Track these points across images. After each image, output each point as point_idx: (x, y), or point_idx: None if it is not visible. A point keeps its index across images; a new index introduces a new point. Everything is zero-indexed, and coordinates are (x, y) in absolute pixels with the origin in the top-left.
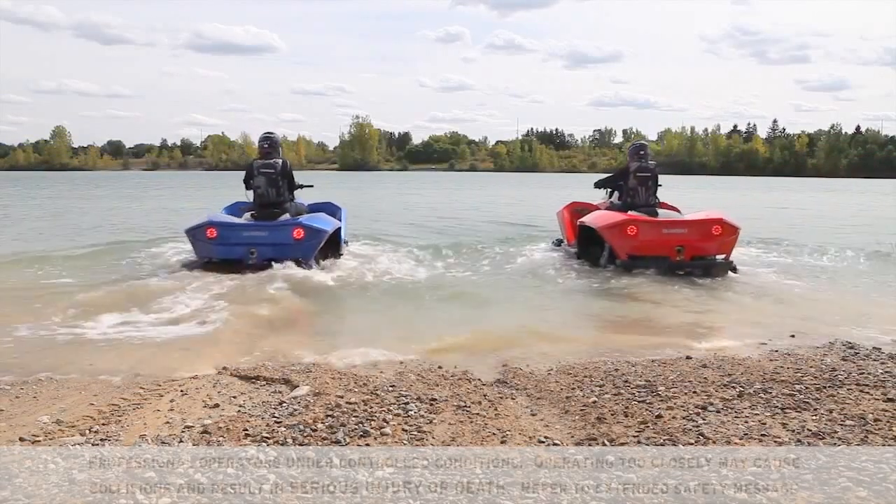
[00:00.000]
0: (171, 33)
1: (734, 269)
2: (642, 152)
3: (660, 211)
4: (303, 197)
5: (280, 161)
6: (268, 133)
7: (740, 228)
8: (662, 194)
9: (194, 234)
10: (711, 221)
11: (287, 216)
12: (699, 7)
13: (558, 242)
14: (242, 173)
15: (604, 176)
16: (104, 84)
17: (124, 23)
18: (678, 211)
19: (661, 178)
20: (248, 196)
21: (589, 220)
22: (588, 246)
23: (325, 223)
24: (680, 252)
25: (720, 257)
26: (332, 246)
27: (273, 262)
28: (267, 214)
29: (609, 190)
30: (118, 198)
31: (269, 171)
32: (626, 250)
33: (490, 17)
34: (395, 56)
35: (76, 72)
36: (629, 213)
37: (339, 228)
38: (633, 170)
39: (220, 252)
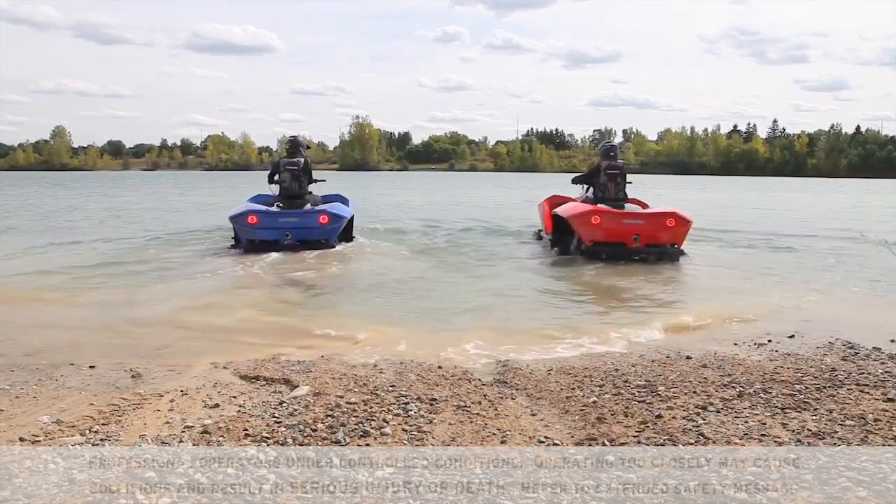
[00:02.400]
0: (169, 33)
1: (682, 254)
2: (612, 153)
3: (627, 205)
4: (315, 189)
5: (302, 160)
6: (292, 136)
7: (692, 221)
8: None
9: (237, 220)
10: (666, 215)
11: (308, 206)
12: (697, 7)
13: (538, 234)
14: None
15: (580, 173)
16: (103, 84)
17: (122, 23)
18: (646, 205)
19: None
20: (272, 189)
21: (560, 210)
22: (561, 234)
23: (345, 211)
24: (636, 240)
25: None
26: (346, 230)
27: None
28: (292, 204)
29: (585, 186)
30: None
31: (294, 168)
32: (590, 237)
33: (488, 16)
34: (394, 56)
35: (75, 72)
36: (597, 205)
37: (353, 216)
38: (603, 168)
39: (260, 234)
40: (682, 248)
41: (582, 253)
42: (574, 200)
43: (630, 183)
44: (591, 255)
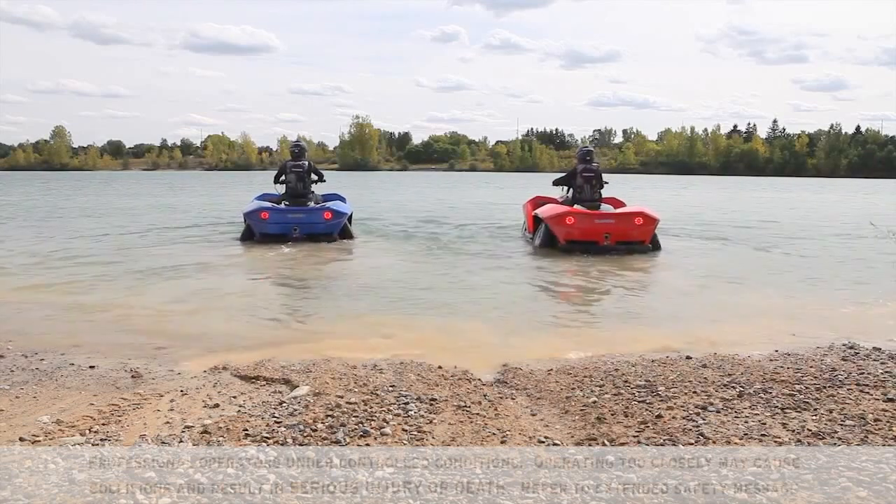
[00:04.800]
0: (167, 33)
1: (658, 247)
2: (588, 157)
3: (602, 205)
4: (315, 189)
5: (307, 163)
6: (297, 141)
7: (659, 220)
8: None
9: (251, 216)
10: (634, 214)
11: (312, 204)
12: (694, 7)
13: (523, 231)
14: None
15: (560, 175)
16: (101, 84)
17: (119, 22)
18: (623, 204)
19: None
20: (277, 189)
21: (540, 211)
22: (551, 240)
23: (345, 208)
24: (607, 238)
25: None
26: (345, 226)
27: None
28: (297, 202)
29: (565, 187)
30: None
31: (299, 169)
32: (565, 236)
33: (486, 16)
34: (392, 56)
35: (73, 72)
36: (574, 206)
37: (351, 213)
38: (579, 171)
39: (271, 229)
40: (658, 242)
41: (559, 250)
42: (555, 201)
43: (607, 183)
44: (567, 251)
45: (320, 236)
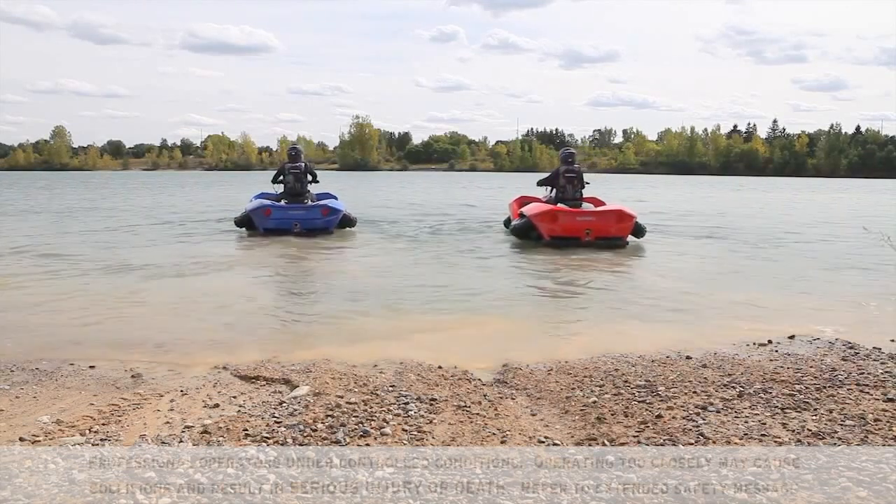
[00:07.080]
0: (166, 33)
1: (642, 234)
2: (570, 159)
3: (584, 203)
4: (311, 188)
5: (303, 164)
6: (294, 144)
7: (636, 217)
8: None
9: (255, 213)
10: (613, 212)
11: (309, 202)
12: (694, 7)
13: (507, 223)
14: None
15: (545, 176)
16: (101, 84)
17: (118, 22)
18: (603, 203)
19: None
20: (275, 188)
21: (525, 210)
22: (527, 230)
23: (340, 205)
24: (588, 234)
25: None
26: (344, 221)
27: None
28: (295, 200)
29: (549, 187)
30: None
31: (296, 171)
32: (549, 232)
33: (484, 16)
34: (391, 56)
35: (73, 72)
36: (558, 205)
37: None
38: (562, 172)
39: (274, 224)
40: (643, 229)
41: (544, 244)
42: (539, 200)
43: (588, 184)
44: (552, 246)
45: (318, 231)
